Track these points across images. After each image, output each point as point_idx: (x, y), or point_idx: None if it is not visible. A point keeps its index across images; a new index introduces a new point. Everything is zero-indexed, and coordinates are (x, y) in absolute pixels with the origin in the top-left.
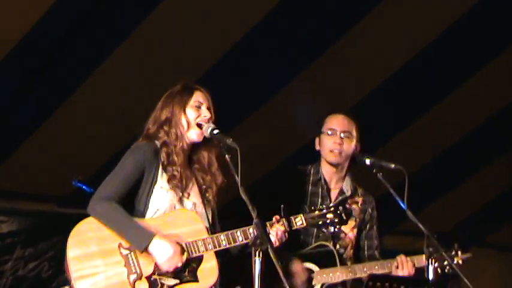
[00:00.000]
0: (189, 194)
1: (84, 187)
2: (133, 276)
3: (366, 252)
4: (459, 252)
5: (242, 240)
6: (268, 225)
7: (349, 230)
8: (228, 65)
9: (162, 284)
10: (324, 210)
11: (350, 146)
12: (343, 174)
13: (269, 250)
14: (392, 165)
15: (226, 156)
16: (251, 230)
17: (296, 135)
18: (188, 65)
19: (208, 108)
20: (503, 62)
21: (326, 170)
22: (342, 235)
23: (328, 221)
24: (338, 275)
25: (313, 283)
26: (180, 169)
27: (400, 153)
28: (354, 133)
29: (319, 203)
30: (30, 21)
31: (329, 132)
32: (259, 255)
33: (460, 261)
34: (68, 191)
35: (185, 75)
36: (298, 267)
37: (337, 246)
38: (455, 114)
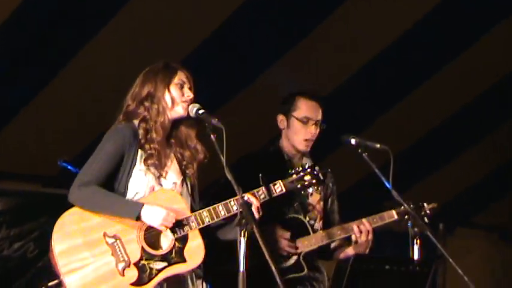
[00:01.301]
0: (166, 173)
1: (69, 167)
2: (121, 265)
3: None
4: (425, 204)
5: (225, 214)
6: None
7: (316, 203)
8: (214, 44)
9: (151, 269)
10: (301, 173)
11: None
12: (301, 154)
13: (254, 230)
14: (378, 145)
15: (212, 136)
16: (232, 203)
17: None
18: (175, 44)
19: (190, 89)
20: (487, 42)
21: (288, 149)
22: (310, 207)
23: (306, 183)
24: (313, 241)
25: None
26: (158, 147)
27: (385, 134)
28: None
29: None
30: (17, 1)
31: (304, 120)
32: (244, 236)
33: (428, 212)
34: (53, 171)
35: (172, 54)
36: (278, 230)
37: (307, 218)
38: (440, 95)
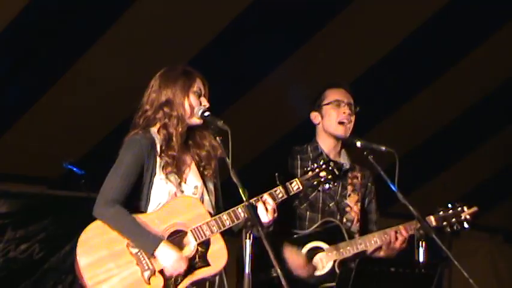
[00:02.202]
0: (186, 178)
1: (74, 169)
2: (147, 273)
3: (371, 226)
4: (465, 208)
5: (244, 216)
6: (259, 200)
7: (353, 204)
8: (220, 46)
9: (177, 275)
10: (317, 170)
11: (353, 120)
12: (339, 148)
13: (260, 233)
14: (383, 148)
15: (217, 138)
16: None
17: (288, 117)
18: (180, 46)
19: (205, 97)
20: (495, 41)
21: (325, 145)
22: (348, 209)
23: (322, 179)
24: (348, 249)
25: (326, 260)
26: (176, 154)
27: (390, 136)
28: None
29: None
30: (20, 3)
31: (335, 103)
32: (249, 238)
33: (468, 217)
34: (58, 173)
35: (177, 56)
36: (300, 261)
37: (344, 220)
38: (445, 98)
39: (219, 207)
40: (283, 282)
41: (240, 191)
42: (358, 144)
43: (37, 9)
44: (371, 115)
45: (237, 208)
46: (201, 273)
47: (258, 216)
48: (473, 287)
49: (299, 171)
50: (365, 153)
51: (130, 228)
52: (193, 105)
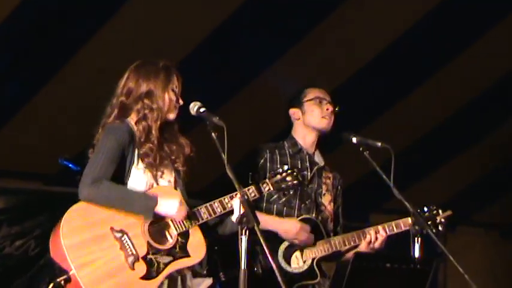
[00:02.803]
0: (163, 172)
1: (70, 165)
2: (131, 259)
3: (341, 230)
4: (440, 211)
5: (221, 211)
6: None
7: (327, 203)
8: (214, 44)
9: (158, 263)
10: (284, 173)
11: (332, 118)
12: (315, 146)
13: (255, 228)
14: (379, 144)
15: (213, 134)
16: (227, 200)
17: (282, 114)
18: (175, 43)
19: (180, 95)
20: (490, 39)
21: (304, 141)
22: (323, 207)
23: (289, 183)
24: (327, 247)
25: (304, 258)
26: (154, 146)
27: (385, 132)
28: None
29: None
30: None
31: (317, 100)
32: (245, 234)
33: (443, 220)
34: (54, 169)
35: (172, 53)
36: (294, 226)
37: (319, 218)
38: (441, 94)
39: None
40: (278, 276)
41: (236, 186)
42: (354, 140)
43: (36, 3)
44: (367, 112)
45: (214, 203)
46: (181, 263)
47: (254, 212)
48: (468, 282)
49: (278, 166)
50: (361, 149)
51: (126, 195)
52: (172, 101)
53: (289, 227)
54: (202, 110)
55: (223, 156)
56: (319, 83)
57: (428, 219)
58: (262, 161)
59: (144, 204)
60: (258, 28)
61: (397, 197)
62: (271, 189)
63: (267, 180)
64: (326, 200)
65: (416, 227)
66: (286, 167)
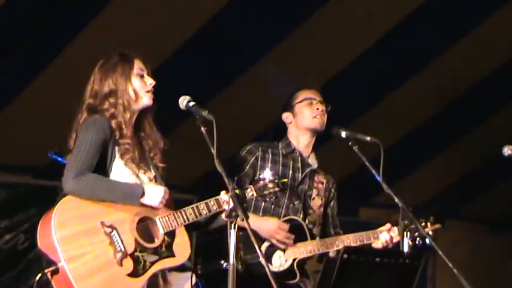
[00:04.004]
0: (145, 170)
1: (59, 159)
2: (119, 255)
3: (332, 230)
4: (429, 224)
5: (206, 213)
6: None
7: (316, 208)
8: (205, 37)
9: (145, 261)
10: (266, 180)
11: (325, 117)
12: (310, 148)
13: (244, 222)
14: (368, 138)
15: (202, 128)
16: (212, 202)
17: (272, 109)
18: (165, 36)
19: (149, 75)
20: (482, 32)
21: (298, 143)
22: (311, 211)
23: (272, 191)
24: (310, 249)
25: (285, 258)
26: (130, 141)
27: (374, 127)
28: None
29: (289, 176)
30: None
31: (307, 101)
32: (234, 227)
33: (430, 232)
34: (43, 163)
35: (162, 46)
36: (273, 225)
37: (306, 222)
38: (430, 88)
39: None
40: (267, 270)
41: (225, 180)
42: (343, 134)
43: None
44: (356, 106)
45: (199, 204)
46: (166, 263)
47: (243, 206)
48: (458, 277)
49: (269, 165)
50: (350, 143)
51: (111, 185)
52: (137, 88)
53: (268, 226)
54: (191, 103)
55: (212, 150)
56: (310, 83)
57: (416, 230)
58: (253, 159)
59: (130, 192)
60: (248, 22)
61: (386, 192)
62: (255, 194)
63: (251, 186)
64: (315, 204)
65: (406, 222)
66: (268, 174)
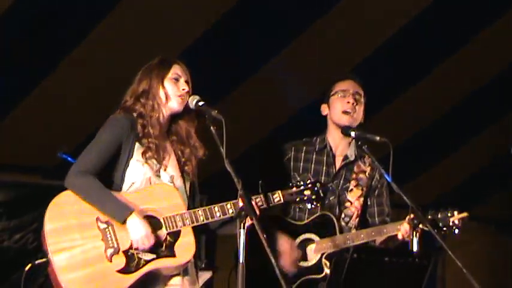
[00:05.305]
0: (166, 167)
1: (69, 159)
2: (110, 251)
3: (376, 219)
4: (455, 213)
5: (220, 216)
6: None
7: (355, 199)
8: (215, 36)
9: (139, 259)
10: (302, 187)
11: (360, 109)
12: (349, 140)
13: (254, 222)
14: (378, 138)
15: (212, 128)
16: (229, 206)
17: (283, 107)
18: (174, 36)
19: (186, 82)
20: (491, 33)
21: (333, 137)
22: (348, 204)
23: (305, 198)
24: (337, 243)
25: (313, 253)
26: (156, 141)
27: (383, 127)
28: (363, 99)
29: (323, 172)
30: None
31: (340, 93)
32: (243, 227)
33: (457, 221)
34: (53, 163)
35: (171, 46)
36: (286, 246)
37: (342, 215)
38: (441, 88)
39: (194, 204)
40: (277, 271)
41: (235, 180)
42: (352, 134)
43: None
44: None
45: (214, 207)
46: (164, 263)
47: (253, 206)
48: (467, 276)
49: (301, 164)
50: (359, 143)
51: (100, 196)
52: (169, 92)
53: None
54: (201, 103)
55: (222, 150)
56: (348, 74)
57: (442, 220)
58: (285, 160)
59: (117, 211)
60: (259, 22)
61: (396, 191)
62: (282, 200)
63: (279, 191)
64: (353, 195)
65: (415, 221)
66: (308, 181)
